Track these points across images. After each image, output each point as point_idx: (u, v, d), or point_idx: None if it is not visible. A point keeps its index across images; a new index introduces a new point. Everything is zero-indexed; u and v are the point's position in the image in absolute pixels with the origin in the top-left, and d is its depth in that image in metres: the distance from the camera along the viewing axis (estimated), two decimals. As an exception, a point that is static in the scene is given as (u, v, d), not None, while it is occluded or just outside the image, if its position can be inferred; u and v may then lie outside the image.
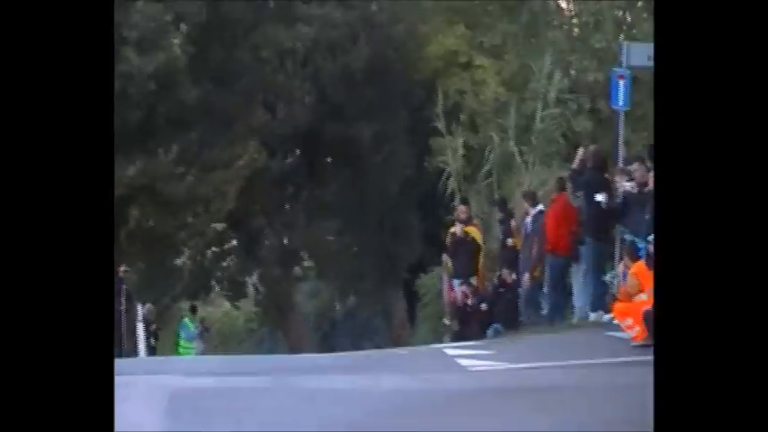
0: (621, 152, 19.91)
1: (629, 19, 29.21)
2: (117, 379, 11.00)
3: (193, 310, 32.69)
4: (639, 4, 28.51)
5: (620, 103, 19.78)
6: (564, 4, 29.89)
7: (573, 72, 27.89)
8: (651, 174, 15.71)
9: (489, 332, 20.43)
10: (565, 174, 20.57)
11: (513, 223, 21.40)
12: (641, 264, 15.11)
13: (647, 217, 15.63)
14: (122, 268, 27.01)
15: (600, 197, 17.54)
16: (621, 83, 19.61)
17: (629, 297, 15.06)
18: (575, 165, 19.37)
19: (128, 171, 27.50)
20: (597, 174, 18.33)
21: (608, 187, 17.98)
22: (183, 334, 31.39)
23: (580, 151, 19.59)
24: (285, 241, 32.85)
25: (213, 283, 35.40)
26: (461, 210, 22.77)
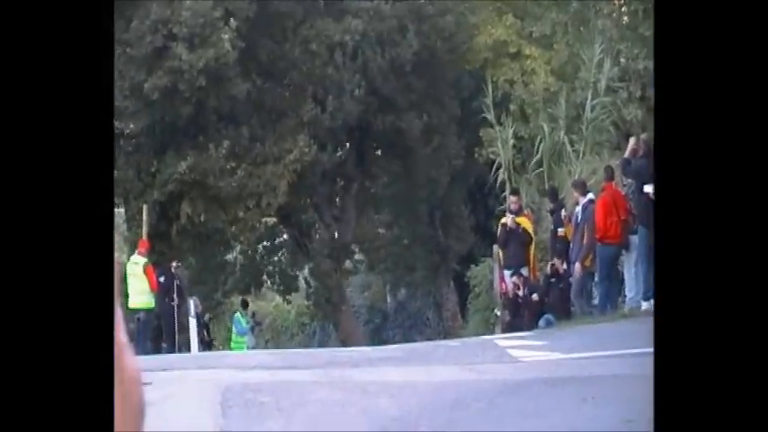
0: (673, 140, 19.76)
1: (678, 6, 28.96)
2: (169, 374, 11.09)
3: (245, 304, 32.83)
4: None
5: (671, 90, 19.61)
6: (613, -7, 29.69)
7: (623, 60, 27.65)
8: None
9: (541, 322, 20.37)
10: (615, 163, 20.45)
11: (563, 213, 21.32)
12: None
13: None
14: (174, 264, 27.21)
15: (648, 188, 17.41)
16: (672, 70, 19.44)
17: (682, 286, 14.94)
18: (626, 154, 19.26)
19: (179, 167, 27.71)
20: (648, 162, 18.20)
21: (659, 176, 17.84)
22: (235, 329, 31.54)
23: (632, 140, 19.49)
24: (336, 235, 32.93)
25: (264, 277, 35.60)
26: (512, 200, 22.71)
